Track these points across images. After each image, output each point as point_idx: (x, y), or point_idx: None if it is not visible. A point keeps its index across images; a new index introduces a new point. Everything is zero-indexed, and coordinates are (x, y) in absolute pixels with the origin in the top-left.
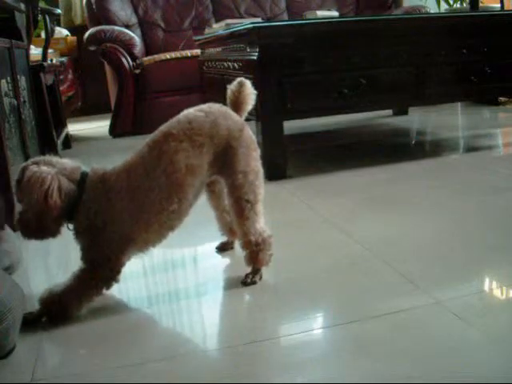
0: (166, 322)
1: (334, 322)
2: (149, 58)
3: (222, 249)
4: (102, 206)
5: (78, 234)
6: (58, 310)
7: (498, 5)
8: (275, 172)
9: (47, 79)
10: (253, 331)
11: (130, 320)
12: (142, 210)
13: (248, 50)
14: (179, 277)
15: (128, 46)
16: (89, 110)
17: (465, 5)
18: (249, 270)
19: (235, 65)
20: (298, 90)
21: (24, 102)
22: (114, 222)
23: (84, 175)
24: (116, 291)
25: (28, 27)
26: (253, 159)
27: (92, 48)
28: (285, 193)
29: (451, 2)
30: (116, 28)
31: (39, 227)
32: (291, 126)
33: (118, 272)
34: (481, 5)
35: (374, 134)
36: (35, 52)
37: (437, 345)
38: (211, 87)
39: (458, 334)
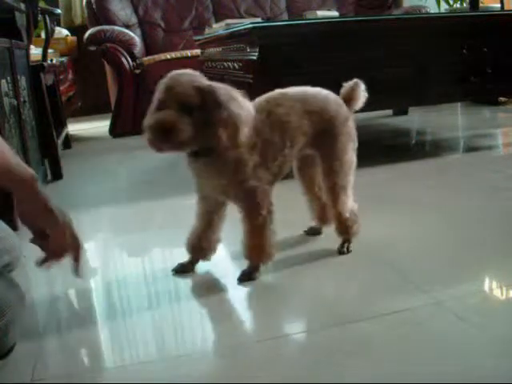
0: (163, 322)
1: (334, 322)
2: (149, 58)
3: (311, 233)
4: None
5: (224, 169)
6: (264, 256)
7: (498, 5)
8: None
9: (47, 79)
10: (252, 331)
11: (129, 320)
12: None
13: (248, 49)
14: (176, 276)
15: (128, 46)
16: (89, 110)
17: (465, 5)
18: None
19: (235, 65)
20: None
21: (24, 102)
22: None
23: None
24: (116, 292)
25: (28, 27)
26: (351, 149)
27: (92, 48)
28: (284, 193)
29: (451, 2)
30: (116, 28)
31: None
32: None
33: (267, 194)
34: (481, 5)
35: (374, 134)
36: (35, 52)
37: (437, 345)
38: None
39: (458, 334)
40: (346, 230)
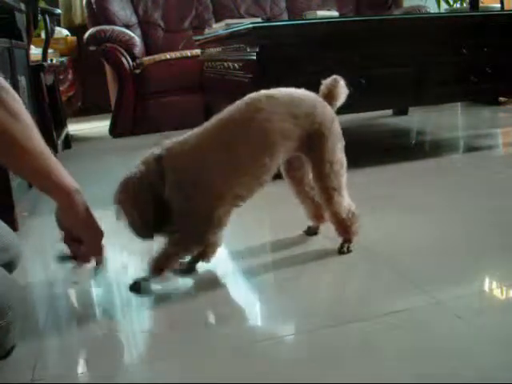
0: (163, 322)
1: (334, 322)
2: (149, 58)
3: (309, 233)
4: (188, 170)
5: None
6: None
7: (498, 5)
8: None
9: (47, 79)
10: (252, 331)
11: (129, 320)
12: (235, 162)
13: (248, 49)
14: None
15: (128, 46)
16: (89, 110)
17: (465, 5)
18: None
19: (235, 65)
20: None
21: (24, 102)
22: (202, 182)
23: (158, 158)
24: (116, 292)
25: (28, 27)
26: (339, 150)
27: (92, 48)
28: (284, 193)
29: (451, 2)
30: (116, 28)
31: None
32: None
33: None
34: (481, 5)
35: (374, 134)
36: (35, 52)
37: (437, 345)
38: (211, 87)
39: (458, 334)
40: (345, 230)
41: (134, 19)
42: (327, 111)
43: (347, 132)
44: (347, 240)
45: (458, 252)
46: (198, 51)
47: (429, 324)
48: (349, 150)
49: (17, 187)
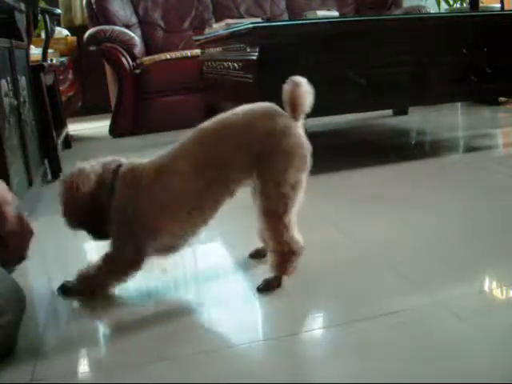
0: (163, 322)
1: (334, 322)
2: (149, 57)
3: (254, 255)
4: (132, 194)
5: (111, 222)
6: (89, 287)
7: (498, 5)
8: None
9: (47, 79)
10: (252, 331)
11: (130, 320)
12: (169, 202)
13: (248, 49)
14: (176, 276)
15: (128, 46)
16: (89, 110)
17: (465, 5)
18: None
19: (235, 65)
20: None
21: (24, 102)
22: (141, 212)
23: (119, 166)
24: (116, 292)
25: (28, 27)
26: (293, 171)
27: (92, 48)
28: None
29: (451, 2)
30: (116, 28)
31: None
32: None
33: (140, 261)
34: (481, 5)
35: (374, 134)
36: (35, 52)
37: (437, 345)
38: (211, 87)
39: (458, 334)
40: (278, 265)
41: (134, 19)
42: (274, 123)
43: (347, 132)
44: (275, 277)
45: (458, 252)
46: (197, 51)
47: (429, 324)
48: (349, 150)
49: (16, 187)
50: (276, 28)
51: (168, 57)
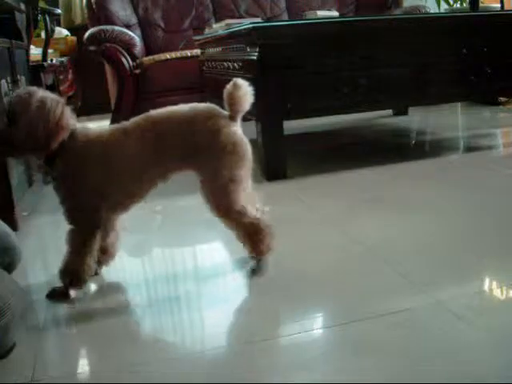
0: (165, 322)
1: (334, 322)
2: (149, 57)
3: None
4: (83, 156)
5: (60, 178)
6: (73, 279)
7: (498, 5)
8: (275, 172)
9: (47, 79)
10: (252, 331)
11: (130, 320)
12: (124, 169)
13: (248, 49)
14: (179, 276)
15: (128, 46)
16: (89, 110)
17: (465, 5)
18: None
19: (235, 65)
20: (298, 90)
21: None
22: (88, 176)
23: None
24: (116, 292)
25: (28, 27)
26: (230, 164)
27: (92, 48)
28: (284, 193)
29: (451, 2)
30: (116, 28)
31: (34, 147)
32: (291, 126)
33: (99, 219)
34: (481, 5)
35: (374, 134)
36: (35, 52)
37: (437, 345)
38: (211, 87)
39: (458, 334)
40: (252, 247)
41: (134, 19)
42: (212, 124)
43: (347, 132)
44: (258, 257)
45: (458, 252)
46: (197, 51)
47: (429, 324)
48: (349, 150)
49: (17, 186)
50: (276, 28)
51: (168, 57)
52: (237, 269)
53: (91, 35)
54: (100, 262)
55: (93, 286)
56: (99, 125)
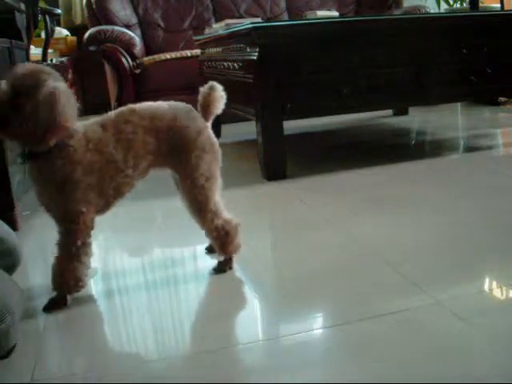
0: (164, 322)
1: (334, 322)
2: (149, 58)
3: (211, 250)
4: (77, 154)
5: (50, 180)
6: (68, 287)
7: (498, 5)
8: (275, 172)
9: None
10: (252, 331)
11: (130, 320)
12: (101, 167)
13: (248, 50)
14: (179, 276)
15: (128, 46)
16: (89, 110)
17: (465, 5)
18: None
19: (235, 65)
20: (297, 90)
21: None
22: (78, 179)
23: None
24: (116, 292)
25: (28, 27)
26: (206, 164)
27: (92, 48)
28: (284, 193)
29: (451, 2)
30: (116, 28)
31: (27, 139)
32: (291, 126)
33: (90, 223)
34: (481, 5)
35: (374, 134)
36: (35, 52)
37: (437, 345)
38: None
39: (458, 334)
40: (220, 248)
41: (134, 19)
42: (193, 124)
43: (347, 132)
44: (227, 258)
45: (458, 252)
46: (197, 51)
47: (429, 324)
48: (349, 150)
49: (17, 186)
50: (276, 28)
51: (168, 57)
52: (236, 269)
53: (91, 35)
54: None
55: (93, 286)
56: None
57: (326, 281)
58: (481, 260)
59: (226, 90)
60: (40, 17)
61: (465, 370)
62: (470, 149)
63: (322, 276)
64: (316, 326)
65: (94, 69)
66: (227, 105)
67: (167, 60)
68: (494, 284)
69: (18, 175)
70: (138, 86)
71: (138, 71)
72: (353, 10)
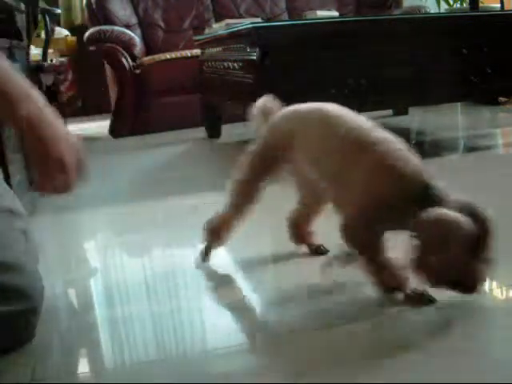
0: (163, 322)
1: (334, 322)
2: (149, 58)
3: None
4: None
5: None
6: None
7: (498, 5)
8: None
9: (47, 79)
10: (252, 331)
11: (130, 320)
12: None
13: (248, 50)
14: (179, 276)
15: (128, 46)
16: (89, 110)
17: (465, 5)
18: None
19: (235, 65)
20: (298, 90)
21: None
22: None
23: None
24: (116, 292)
25: (28, 27)
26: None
27: (92, 48)
28: (284, 193)
29: (451, 2)
30: (116, 28)
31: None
32: None
33: None
34: (481, 5)
35: None
36: (35, 52)
37: (437, 345)
38: (211, 87)
39: (458, 334)
40: None
41: (133, 19)
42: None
43: None
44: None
45: None
46: (197, 51)
47: (429, 324)
48: None
49: (17, 186)
50: (276, 28)
51: (168, 57)
52: (237, 269)
53: (91, 35)
54: None
55: (93, 286)
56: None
57: (326, 280)
58: None
59: (225, 90)
60: (40, 17)
61: (465, 370)
62: (469, 149)
63: (322, 276)
64: (316, 325)
65: (94, 69)
66: (227, 105)
67: (167, 60)
68: (494, 284)
69: (18, 176)
70: (138, 86)
71: (137, 71)
72: (353, 10)
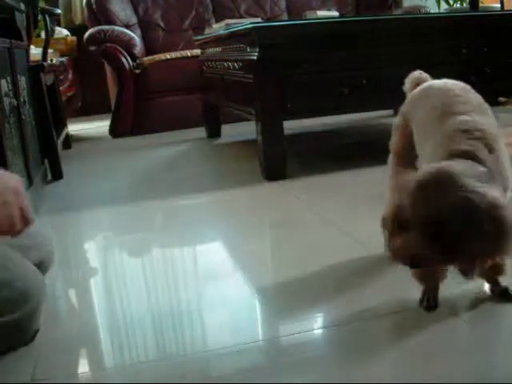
0: (163, 322)
1: (334, 322)
2: (149, 57)
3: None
4: None
5: None
6: None
7: (498, 5)
8: (275, 172)
9: (47, 79)
10: (253, 331)
11: (130, 320)
12: None
13: (248, 50)
14: (179, 276)
15: (128, 46)
16: (89, 110)
17: (465, 5)
18: None
19: (235, 65)
20: (297, 90)
21: (24, 102)
22: None
23: None
24: (116, 292)
25: (28, 27)
26: None
27: (92, 48)
28: (284, 193)
29: (451, 2)
30: (116, 28)
31: None
32: (291, 126)
33: None
34: (481, 5)
35: (374, 134)
36: (35, 52)
37: (437, 345)
38: (211, 87)
39: (458, 334)
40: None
41: (133, 19)
42: None
43: (347, 132)
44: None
45: None
46: (198, 51)
47: (429, 324)
48: (349, 150)
49: None
50: (276, 28)
51: (168, 57)
52: (237, 269)
53: (91, 35)
54: None
55: (93, 286)
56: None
57: (326, 280)
58: None
59: (225, 90)
60: (40, 17)
61: (465, 370)
62: None
63: (322, 275)
64: (315, 325)
65: (94, 69)
66: (227, 105)
67: (167, 60)
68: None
69: (19, 175)
70: (138, 86)
71: (138, 71)
72: (352, 10)
